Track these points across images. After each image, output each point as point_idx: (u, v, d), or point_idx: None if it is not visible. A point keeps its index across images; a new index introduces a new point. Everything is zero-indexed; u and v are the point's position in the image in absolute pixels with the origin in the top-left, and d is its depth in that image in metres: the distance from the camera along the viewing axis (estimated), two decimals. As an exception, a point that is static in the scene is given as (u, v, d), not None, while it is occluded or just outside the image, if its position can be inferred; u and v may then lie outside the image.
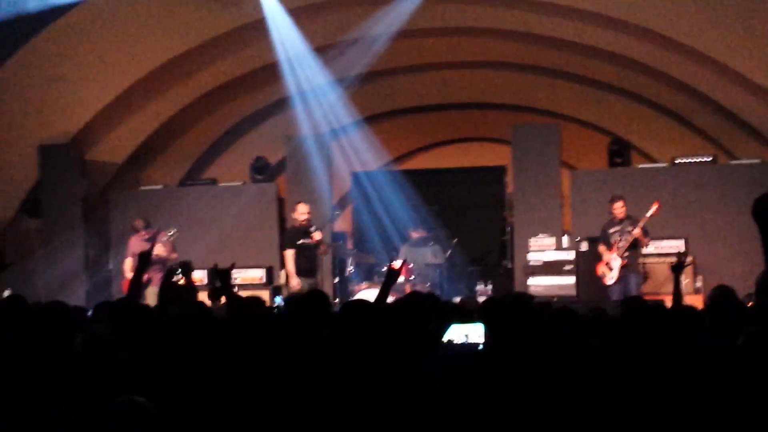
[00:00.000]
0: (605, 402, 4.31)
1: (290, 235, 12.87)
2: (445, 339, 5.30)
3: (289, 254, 12.57)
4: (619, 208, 12.64)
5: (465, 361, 4.89)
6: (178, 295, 6.96)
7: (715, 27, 13.41)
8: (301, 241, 12.56)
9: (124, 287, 13.00)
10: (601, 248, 12.81)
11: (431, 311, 6.22)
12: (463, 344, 5.19)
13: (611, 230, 12.71)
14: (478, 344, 5.16)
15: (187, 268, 7.01)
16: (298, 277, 12.39)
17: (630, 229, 12.45)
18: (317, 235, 12.49)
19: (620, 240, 12.48)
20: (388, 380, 4.63)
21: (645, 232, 12.47)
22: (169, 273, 7.09)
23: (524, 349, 4.76)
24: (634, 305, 6.25)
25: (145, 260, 6.42)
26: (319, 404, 4.36)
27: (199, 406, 4.34)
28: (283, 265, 15.12)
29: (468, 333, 5.28)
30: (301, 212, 12.68)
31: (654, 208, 12.35)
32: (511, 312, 5.75)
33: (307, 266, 12.54)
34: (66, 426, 3.76)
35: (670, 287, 7.60)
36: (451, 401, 4.35)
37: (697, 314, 6.19)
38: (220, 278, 6.43)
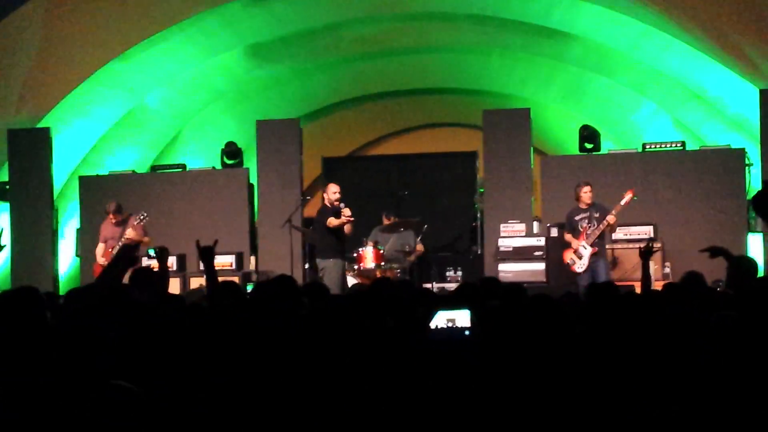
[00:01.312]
0: (588, 385, 4.33)
1: (323, 215, 12.91)
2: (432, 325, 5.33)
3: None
4: (587, 193, 12.52)
5: (452, 347, 4.91)
6: (149, 281, 6.89)
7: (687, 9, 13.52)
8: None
9: (96, 272, 12.92)
10: (568, 236, 12.62)
11: (408, 297, 6.26)
12: (450, 329, 5.20)
13: (578, 217, 12.55)
14: (464, 329, 5.18)
15: (162, 254, 6.94)
16: (330, 258, 12.56)
17: (597, 215, 12.36)
18: (347, 212, 12.60)
19: (589, 227, 12.40)
20: (374, 367, 4.64)
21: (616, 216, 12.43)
22: (130, 256, 6.99)
23: (512, 334, 4.80)
24: (600, 290, 6.28)
25: (127, 256, 6.39)
26: (302, 392, 4.36)
27: (178, 393, 4.32)
28: (253, 251, 15.15)
29: (454, 318, 5.29)
30: (333, 192, 12.84)
31: (629, 196, 12.29)
32: (492, 297, 5.80)
33: (339, 246, 12.66)
34: (55, 410, 3.73)
35: (639, 273, 7.66)
36: (440, 387, 4.36)
37: (665, 298, 6.24)
38: (203, 255, 6.39)
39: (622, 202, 12.25)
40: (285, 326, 5.16)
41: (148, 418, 3.46)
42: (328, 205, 12.84)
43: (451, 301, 5.93)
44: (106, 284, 6.36)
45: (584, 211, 12.49)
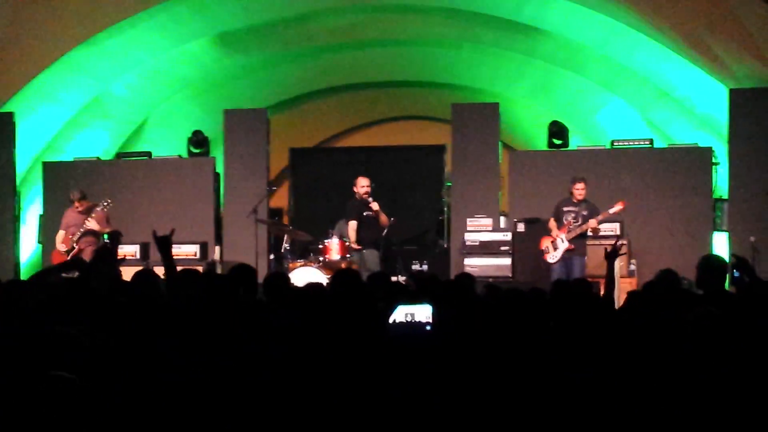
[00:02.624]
0: (549, 382, 4.31)
1: (352, 207, 13.27)
2: (390, 319, 5.27)
3: (352, 225, 13.13)
4: (580, 190, 12.52)
5: (412, 342, 4.87)
6: (110, 263, 6.83)
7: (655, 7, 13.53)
8: (365, 213, 13.04)
9: (54, 259, 12.80)
10: (552, 223, 12.65)
11: (374, 290, 6.20)
12: (410, 323, 5.15)
13: (566, 208, 12.58)
14: (425, 324, 5.13)
15: (114, 238, 6.79)
16: (363, 248, 12.96)
17: (585, 213, 12.37)
18: (375, 206, 12.92)
19: (573, 222, 12.42)
20: (336, 359, 4.59)
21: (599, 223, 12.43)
22: (105, 248, 6.94)
23: (472, 329, 4.76)
24: (564, 288, 6.26)
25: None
26: (255, 385, 4.30)
27: (128, 384, 4.25)
28: (217, 241, 15.05)
29: (414, 313, 5.23)
30: (362, 185, 13.16)
31: (618, 207, 12.29)
32: (457, 292, 5.76)
33: (370, 237, 12.98)
34: None
35: (604, 269, 7.63)
36: (402, 381, 4.32)
37: (643, 297, 6.23)
38: (160, 245, 6.33)
39: (611, 210, 12.29)
40: (242, 318, 5.10)
41: (90, 409, 3.38)
42: (357, 198, 13.15)
43: (413, 295, 5.89)
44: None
45: (574, 204, 12.54)
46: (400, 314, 5.21)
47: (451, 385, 4.23)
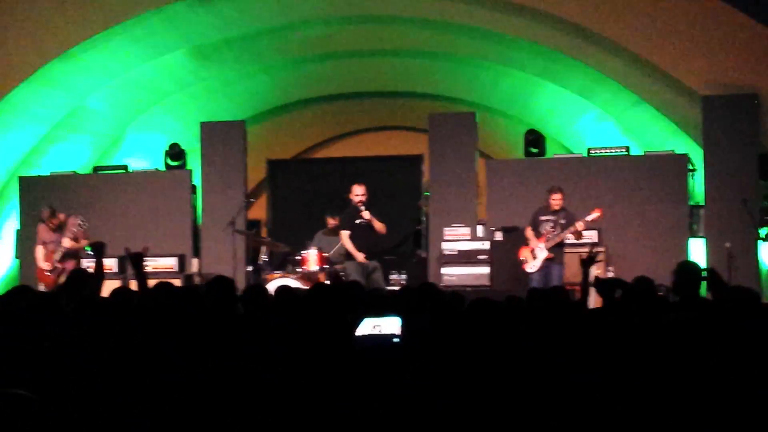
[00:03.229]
0: (522, 392, 4.31)
1: (345, 216, 13.12)
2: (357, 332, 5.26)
3: (344, 234, 12.90)
4: (556, 200, 12.56)
5: (378, 355, 4.85)
6: (83, 283, 6.80)
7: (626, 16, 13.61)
8: (357, 222, 12.83)
9: (40, 278, 12.77)
10: (529, 233, 12.66)
11: (345, 301, 6.20)
12: (377, 336, 5.12)
13: (543, 217, 12.61)
14: (392, 336, 5.11)
15: (98, 249, 6.72)
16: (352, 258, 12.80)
17: (563, 222, 12.40)
18: (366, 214, 12.78)
19: (551, 232, 12.46)
20: (304, 372, 4.58)
21: (578, 231, 12.48)
22: (78, 271, 6.95)
23: (442, 341, 4.74)
24: (540, 296, 6.29)
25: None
26: (225, 398, 4.28)
27: (91, 398, 4.23)
28: (195, 254, 15.02)
29: (380, 325, 5.21)
30: (356, 193, 12.95)
31: (595, 214, 12.34)
32: (426, 303, 5.75)
33: (361, 246, 12.80)
34: None
35: (580, 276, 7.67)
36: (369, 395, 4.31)
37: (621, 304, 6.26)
38: (133, 263, 6.36)
39: (588, 218, 12.33)
40: (217, 330, 5.10)
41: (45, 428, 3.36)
42: (351, 206, 13.02)
43: (383, 308, 5.86)
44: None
45: (552, 213, 12.56)
46: (368, 327, 5.19)
47: (420, 397, 4.22)
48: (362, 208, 12.79)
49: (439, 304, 6.01)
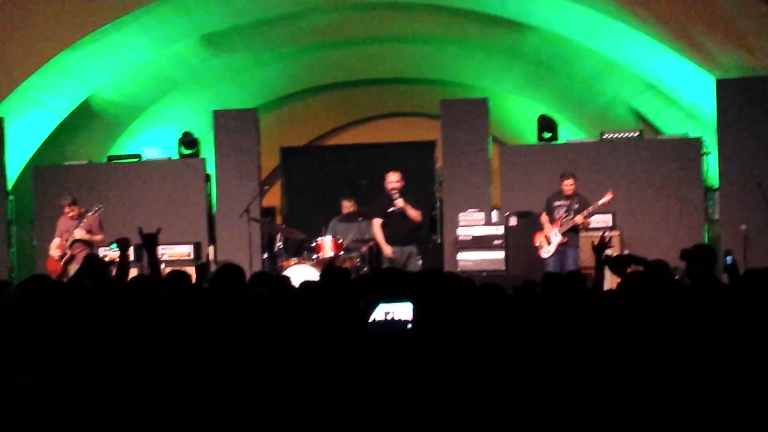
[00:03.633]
0: (533, 379, 4.29)
1: (377, 204, 12.70)
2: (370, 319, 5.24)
3: (376, 223, 12.54)
4: (569, 185, 12.52)
5: (391, 341, 4.83)
6: (100, 266, 6.80)
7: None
8: (390, 210, 12.43)
9: (49, 266, 12.80)
10: (544, 218, 12.66)
11: (356, 286, 6.18)
12: (389, 322, 5.10)
13: (557, 203, 12.59)
14: (406, 322, 5.09)
15: (124, 246, 6.81)
16: (390, 246, 12.31)
17: (577, 207, 12.37)
18: (399, 202, 12.34)
19: (564, 216, 12.44)
20: (318, 361, 4.56)
21: (588, 215, 12.44)
22: (92, 255, 6.97)
23: (454, 327, 4.71)
24: (554, 280, 6.27)
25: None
26: (245, 386, 4.29)
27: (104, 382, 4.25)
28: (211, 241, 15.07)
29: (392, 311, 5.18)
30: (390, 180, 12.51)
31: (607, 197, 12.31)
32: (439, 290, 5.73)
33: (395, 235, 12.41)
34: None
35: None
36: (382, 382, 4.29)
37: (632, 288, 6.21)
38: (146, 243, 6.38)
39: (600, 202, 12.31)
40: (227, 321, 5.09)
41: (49, 418, 3.39)
42: (386, 194, 12.64)
43: (395, 293, 5.81)
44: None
45: (565, 198, 12.55)
46: (380, 313, 5.16)
47: (434, 384, 4.20)
48: (396, 195, 12.40)
49: (452, 290, 5.99)
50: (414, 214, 12.42)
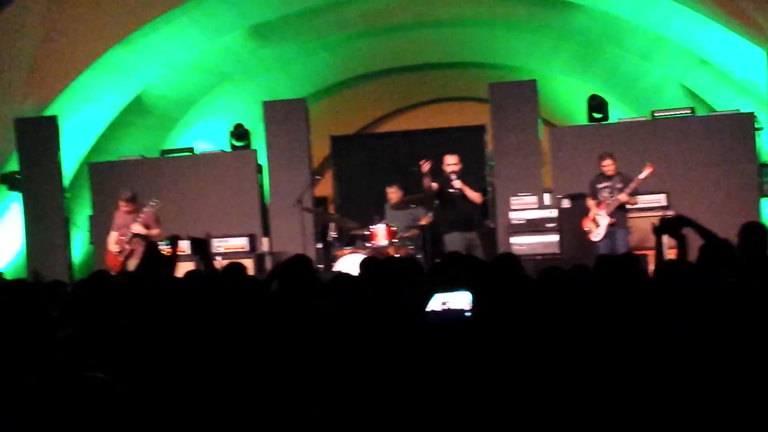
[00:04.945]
0: (594, 365, 4.25)
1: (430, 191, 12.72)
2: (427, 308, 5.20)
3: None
4: (608, 166, 12.43)
5: (449, 331, 4.80)
6: (160, 264, 6.90)
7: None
8: (448, 190, 12.50)
9: (108, 261, 12.91)
10: (590, 202, 12.62)
11: (413, 276, 6.15)
12: (448, 311, 5.07)
13: (600, 185, 12.51)
14: (463, 311, 5.05)
15: (173, 241, 6.96)
16: (449, 231, 12.41)
17: (620, 186, 12.30)
18: (457, 183, 12.44)
19: (609, 197, 12.36)
20: (374, 352, 4.55)
21: (633, 193, 12.39)
22: (152, 245, 7.05)
23: (515, 316, 4.65)
24: (608, 264, 6.21)
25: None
26: (303, 377, 4.31)
27: (170, 380, 4.29)
28: (265, 233, 15.15)
29: (448, 301, 5.15)
30: (448, 163, 12.63)
31: (647, 171, 12.20)
32: (499, 277, 5.67)
33: (453, 218, 12.51)
34: (27, 402, 3.69)
35: (652, 241, 7.56)
36: (442, 373, 4.26)
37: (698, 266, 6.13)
38: (197, 248, 6.45)
39: (641, 176, 12.19)
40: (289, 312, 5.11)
41: (123, 410, 3.44)
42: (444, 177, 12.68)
43: (449, 282, 5.72)
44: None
45: (607, 179, 12.45)
46: (437, 303, 5.12)
47: (499, 374, 4.17)
48: (454, 177, 12.48)
49: (512, 275, 5.93)
50: (473, 195, 12.44)
